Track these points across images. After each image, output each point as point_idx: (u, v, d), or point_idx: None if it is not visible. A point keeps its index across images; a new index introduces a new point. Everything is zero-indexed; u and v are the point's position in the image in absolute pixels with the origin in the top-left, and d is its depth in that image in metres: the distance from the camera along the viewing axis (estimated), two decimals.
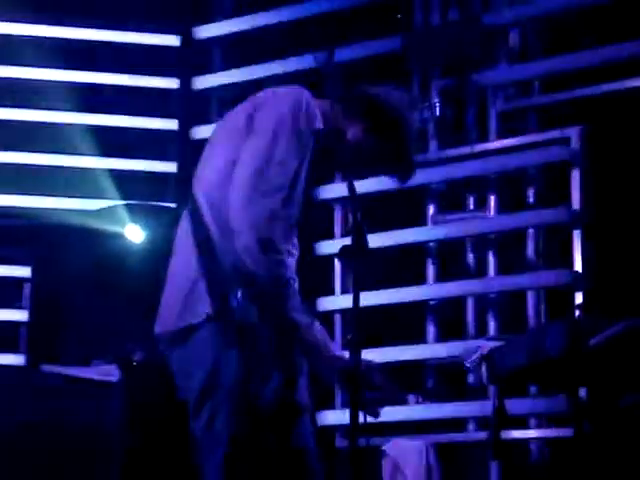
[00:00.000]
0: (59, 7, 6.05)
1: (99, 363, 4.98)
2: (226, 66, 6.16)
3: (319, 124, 2.92)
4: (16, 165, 6.05)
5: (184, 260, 2.91)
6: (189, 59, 6.24)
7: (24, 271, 5.95)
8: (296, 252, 2.99)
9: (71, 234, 5.87)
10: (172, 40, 6.26)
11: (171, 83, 6.19)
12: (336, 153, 3.04)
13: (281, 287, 2.80)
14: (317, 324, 2.92)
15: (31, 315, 5.91)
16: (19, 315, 5.90)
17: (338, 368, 2.88)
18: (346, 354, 2.89)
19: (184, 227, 2.95)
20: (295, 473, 2.90)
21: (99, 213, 5.87)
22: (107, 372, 4.84)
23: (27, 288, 5.94)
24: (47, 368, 4.82)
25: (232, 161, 2.85)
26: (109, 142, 5.98)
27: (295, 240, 2.99)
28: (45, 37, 6.09)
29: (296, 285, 2.95)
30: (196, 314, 2.83)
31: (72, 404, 4.67)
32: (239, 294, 2.79)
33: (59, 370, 4.75)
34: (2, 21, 6.09)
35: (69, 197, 6.06)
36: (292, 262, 2.95)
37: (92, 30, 6.13)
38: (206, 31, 6.26)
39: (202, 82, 6.18)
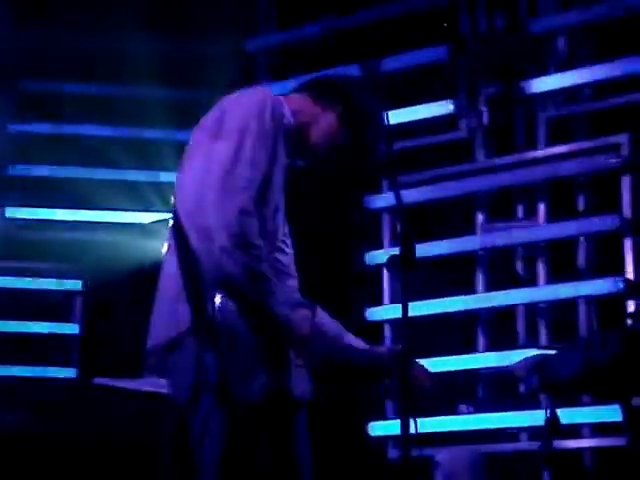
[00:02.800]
0: (116, 19, 6.12)
1: (151, 375, 4.99)
2: (272, 77, 6.18)
3: (287, 120, 2.94)
4: (69, 179, 6.12)
5: (168, 275, 2.92)
6: (236, 70, 6.26)
7: (74, 284, 6.00)
8: (290, 250, 3.00)
9: (122, 247, 5.91)
10: (220, 52, 6.29)
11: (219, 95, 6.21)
12: (309, 144, 3.04)
13: (260, 282, 2.77)
14: (319, 315, 2.92)
15: (82, 328, 5.95)
16: (70, 328, 5.94)
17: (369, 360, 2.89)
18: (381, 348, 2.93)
19: (168, 241, 2.96)
20: (285, 468, 2.88)
21: (151, 226, 5.90)
22: (159, 384, 4.85)
23: (78, 301, 5.99)
24: (99, 381, 4.84)
25: (204, 166, 2.86)
26: (154, 155, 6.02)
27: (288, 239, 3.00)
28: (101, 49, 6.17)
29: (294, 282, 2.96)
30: (179, 325, 2.83)
31: (124, 416, 4.69)
32: (218, 297, 2.79)
33: (110, 383, 4.77)
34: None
35: (121, 211, 6.11)
36: (287, 259, 2.96)
37: (139, 43, 6.18)
38: (253, 43, 6.29)
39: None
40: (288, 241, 3.03)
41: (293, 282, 2.99)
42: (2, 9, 6.09)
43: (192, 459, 2.85)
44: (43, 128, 6.20)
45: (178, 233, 2.88)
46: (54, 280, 6.02)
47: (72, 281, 6.00)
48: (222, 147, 2.84)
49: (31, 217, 6.11)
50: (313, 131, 3.03)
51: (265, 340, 2.81)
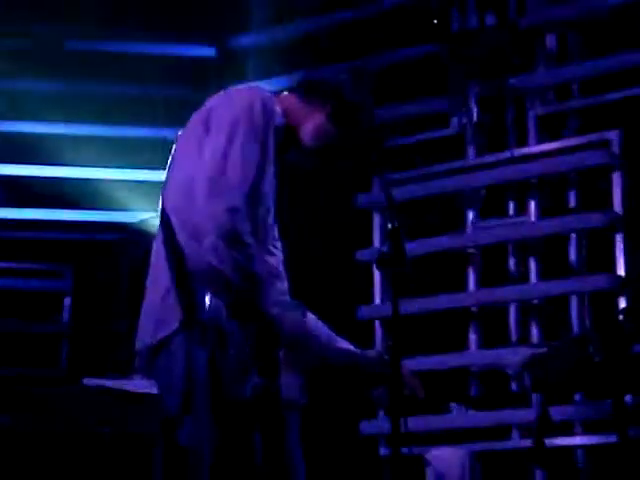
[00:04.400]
0: (93, 19, 6.10)
1: (140, 375, 4.96)
2: (260, 76, 6.16)
3: (278, 119, 2.92)
4: (57, 179, 6.10)
5: (156, 274, 2.90)
6: (224, 70, 6.25)
7: (64, 284, 5.98)
8: (279, 253, 2.98)
9: (112, 246, 5.89)
10: (207, 51, 6.29)
11: (208, 94, 6.19)
12: (300, 145, 3.03)
13: (252, 281, 2.75)
14: (309, 317, 2.91)
15: (71, 328, 5.93)
16: (59, 328, 5.92)
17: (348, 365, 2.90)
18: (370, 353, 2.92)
19: (157, 242, 2.94)
20: (278, 471, 2.87)
21: (140, 225, 5.88)
22: (148, 384, 4.82)
23: (67, 301, 5.97)
24: (87, 381, 4.81)
25: (193, 164, 2.84)
26: (145, 155, 6.00)
27: (277, 242, 2.98)
28: (80, 50, 6.15)
29: (285, 284, 2.94)
30: (168, 325, 2.80)
31: (113, 416, 4.66)
32: (208, 297, 2.76)
33: (99, 382, 4.74)
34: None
35: (108, 210, 6.09)
36: (275, 261, 2.94)
37: (127, 42, 6.17)
38: (241, 41, 6.28)
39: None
40: (278, 243, 3.01)
41: (283, 285, 2.97)
42: None
43: (182, 460, 2.82)
44: (27, 127, 6.16)
45: (166, 231, 2.86)
46: (42, 280, 5.99)
47: (61, 280, 5.97)
48: (212, 145, 2.82)
49: (18, 217, 6.08)
50: (303, 131, 3.01)
51: (256, 340, 2.79)
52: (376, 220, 5.73)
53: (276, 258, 2.97)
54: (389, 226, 2.84)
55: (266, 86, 6.09)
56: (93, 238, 6.02)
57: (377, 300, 5.66)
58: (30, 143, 6.10)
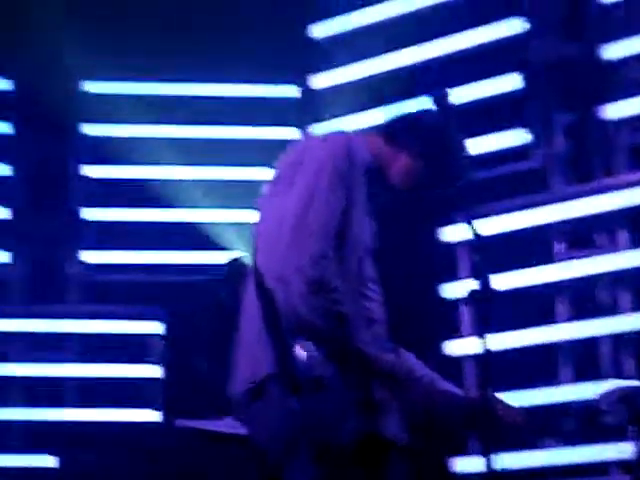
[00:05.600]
0: (183, 65, 6.19)
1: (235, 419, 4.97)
2: (343, 114, 6.18)
3: (365, 164, 2.93)
4: (148, 222, 6.18)
5: (249, 317, 2.90)
6: (309, 109, 6.29)
7: (156, 327, 6.03)
8: (376, 296, 2.95)
9: (203, 288, 5.93)
10: (292, 91, 6.34)
11: (292, 133, 6.25)
12: (391, 185, 3.03)
13: (342, 324, 2.74)
14: (408, 358, 2.88)
15: (165, 371, 5.97)
16: (151, 371, 5.97)
17: (460, 407, 2.86)
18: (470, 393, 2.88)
19: (249, 283, 2.95)
20: None
21: (231, 267, 5.91)
22: (238, 425, 4.82)
23: (158, 344, 6.01)
24: (180, 422, 4.85)
25: (280, 210, 2.86)
26: (234, 195, 6.05)
27: (374, 284, 2.96)
28: (171, 95, 6.25)
29: (382, 328, 2.91)
30: (262, 368, 2.80)
31: (206, 457, 4.68)
32: (300, 342, 2.75)
33: (191, 424, 4.76)
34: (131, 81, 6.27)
35: (199, 251, 6.14)
36: (374, 305, 2.92)
37: (213, 85, 6.26)
38: (324, 80, 6.31)
39: (322, 130, 6.20)
40: (375, 287, 2.99)
41: (380, 328, 2.95)
42: None
43: None
44: (114, 170, 6.27)
45: (256, 276, 2.88)
46: (135, 322, 6.05)
47: (152, 323, 6.03)
48: (297, 192, 2.84)
49: (105, 261, 6.17)
50: (392, 173, 3.03)
51: (353, 382, 2.78)
52: (462, 254, 5.70)
53: (374, 303, 2.96)
54: (475, 261, 2.82)
55: (349, 123, 6.14)
56: (185, 280, 6.07)
57: (466, 335, 5.61)
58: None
